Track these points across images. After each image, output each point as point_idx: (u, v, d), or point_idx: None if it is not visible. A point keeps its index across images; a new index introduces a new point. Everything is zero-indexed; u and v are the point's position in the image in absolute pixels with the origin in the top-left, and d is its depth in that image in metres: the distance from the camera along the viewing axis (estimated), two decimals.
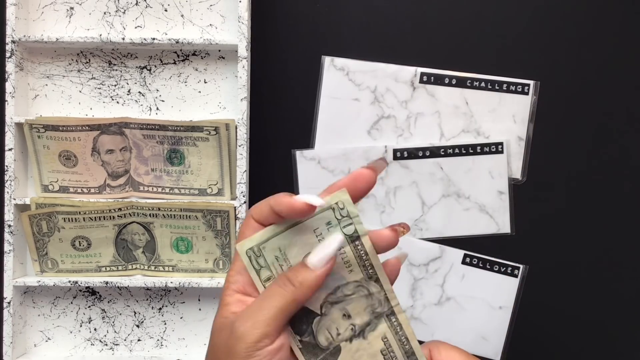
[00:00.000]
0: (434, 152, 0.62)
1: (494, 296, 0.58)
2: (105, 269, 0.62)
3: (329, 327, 0.37)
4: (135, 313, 0.62)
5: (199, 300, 0.62)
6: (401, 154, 0.62)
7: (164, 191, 0.61)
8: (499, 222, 0.61)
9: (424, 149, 0.62)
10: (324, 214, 0.35)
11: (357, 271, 0.36)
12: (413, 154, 0.62)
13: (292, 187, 0.62)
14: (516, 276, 0.59)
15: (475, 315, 0.58)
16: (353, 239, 0.36)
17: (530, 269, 0.61)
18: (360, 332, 0.37)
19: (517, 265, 0.59)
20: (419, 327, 0.58)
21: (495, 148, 0.61)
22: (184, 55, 0.62)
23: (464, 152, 0.62)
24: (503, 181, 0.61)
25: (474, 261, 0.58)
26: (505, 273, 0.59)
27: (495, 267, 0.58)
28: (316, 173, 0.62)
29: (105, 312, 0.63)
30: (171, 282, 0.60)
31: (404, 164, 0.62)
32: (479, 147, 0.61)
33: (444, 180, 0.62)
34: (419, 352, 0.37)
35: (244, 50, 0.58)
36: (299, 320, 0.36)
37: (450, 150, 0.62)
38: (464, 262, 0.58)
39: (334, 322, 0.37)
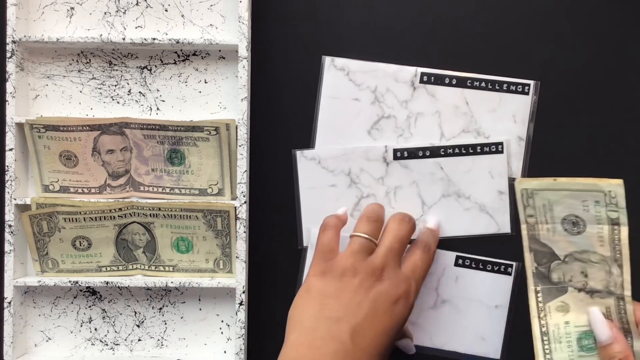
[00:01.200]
0: (434, 152, 0.62)
1: (489, 296, 0.58)
2: (106, 269, 0.62)
3: (564, 272, 0.44)
4: (135, 313, 0.63)
5: (200, 300, 0.62)
6: (401, 154, 0.62)
7: (164, 191, 0.61)
8: (499, 222, 0.61)
9: (424, 149, 0.62)
10: (595, 193, 0.41)
11: (606, 248, 0.42)
12: (413, 154, 0.62)
13: (292, 187, 0.63)
14: (510, 274, 0.59)
15: (472, 316, 0.58)
16: (613, 222, 0.41)
17: None
18: (590, 291, 0.44)
19: (510, 263, 0.59)
20: (416, 331, 0.58)
21: (495, 148, 0.61)
22: (184, 55, 0.62)
23: (464, 152, 0.62)
24: (503, 181, 0.61)
25: (467, 262, 0.58)
26: (499, 272, 0.59)
27: (489, 267, 0.58)
28: (316, 173, 0.62)
29: (105, 312, 0.63)
30: (171, 282, 0.60)
31: (404, 164, 0.62)
32: (479, 147, 0.61)
33: (444, 180, 0.62)
34: (635, 333, 0.43)
35: (244, 50, 0.59)
36: (541, 254, 0.44)
37: (450, 150, 0.62)
38: (456, 264, 0.58)
39: (570, 271, 0.44)
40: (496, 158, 0.61)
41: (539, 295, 0.45)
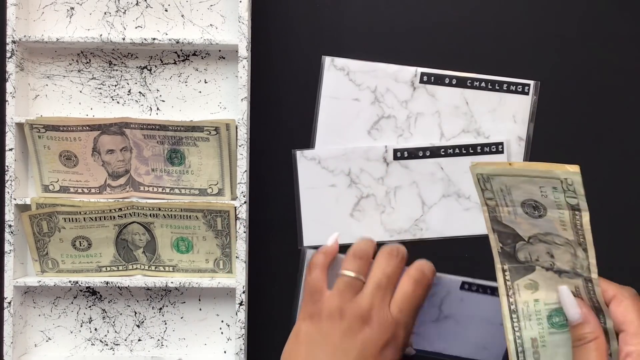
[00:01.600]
0: (434, 152, 0.62)
1: (494, 315, 0.56)
2: (106, 269, 0.62)
3: (530, 252, 0.43)
4: (135, 313, 0.63)
5: (200, 300, 0.62)
6: (401, 154, 0.62)
7: (164, 191, 0.61)
8: None
9: (424, 149, 0.62)
10: (552, 180, 0.39)
11: (569, 232, 0.41)
12: (413, 154, 0.62)
13: (292, 187, 0.63)
14: None
15: (475, 331, 0.57)
16: (574, 208, 0.40)
17: None
18: (558, 271, 0.43)
19: None
20: (418, 339, 0.57)
21: (495, 148, 0.61)
22: (184, 55, 0.62)
23: (464, 152, 0.62)
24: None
25: (473, 287, 0.55)
26: None
27: (496, 293, 0.56)
28: (316, 173, 0.62)
29: (105, 312, 0.63)
30: (171, 282, 0.60)
31: (404, 164, 0.62)
32: (479, 147, 0.61)
33: (444, 180, 0.62)
34: (606, 311, 0.42)
35: (244, 50, 0.59)
36: (505, 235, 0.43)
37: (451, 150, 0.62)
38: (462, 288, 0.56)
39: (536, 252, 0.43)
40: (496, 158, 0.61)
41: (507, 273, 0.44)
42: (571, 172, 0.38)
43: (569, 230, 0.41)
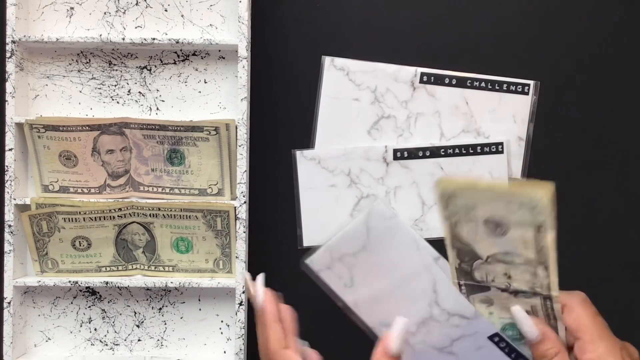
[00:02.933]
0: (434, 152, 0.62)
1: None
2: (106, 269, 0.62)
3: (487, 271, 0.42)
4: (135, 313, 0.63)
5: (199, 300, 0.62)
6: (401, 154, 0.62)
7: (164, 191, 0.61)
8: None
9: (424, 149, 0.62)
10: (522, 199, 0.38)
11: (531, 251, 0.40)
12: (413, 154, 0.62)
13: (292, 187, 0.62)
14: None
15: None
16: (538, 226, 0.39)
17: None
18: (514, 291, 0.42)
19: None
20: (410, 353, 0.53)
21: (495, 148, 0.61)
22: (184, 55, 0.62)
23: (464, 152, 0.62)
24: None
25: (501, 344, 0.49)
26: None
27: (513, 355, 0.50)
28: (316, 173, 0.62)
29: (105, 312, 0.63)
30: (171, 282, 0.60)
31: (404, 164, 0.62)
32: (479, 147, 0.61)
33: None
34: (562, 331, 0.41)
35: (244, 50, 0.59)
36: (464, 252, 0.42)
37: (451, 151, 0.62)
38: (490, 339, 0.50)
39: (493, 272, 0.42)
40: (496, 158, 0.61)
41: (462, 288, 0.44)
42: (540, 189, 0.38)
43: (530, 249, 0.40)
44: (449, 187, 0.40)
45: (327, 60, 0.62)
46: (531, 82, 0.62)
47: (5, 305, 0.59)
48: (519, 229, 0.39)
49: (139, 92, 0.62)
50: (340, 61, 0.62)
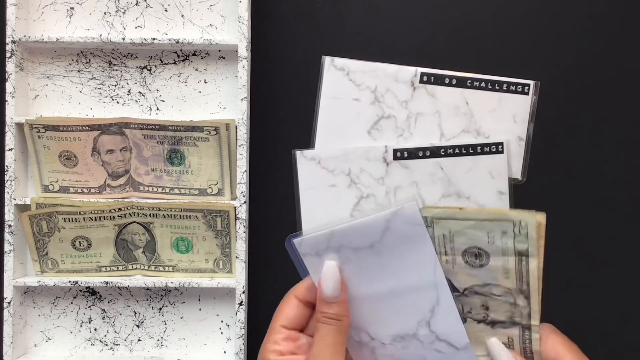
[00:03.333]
0: (434, 152, 0.62)
1: None
2: (106, 269, 0.62)
3: (463, 304, 0.41)
4: (135, 313, 0.62)
5: (199, 300, 0.62)
6: (401, 154, 0.62)
7: (164, 191, 0.61)
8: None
9: (424, 149, 0.62)
10: (503, 223, 0.38)
11: (512, 280, 0.39)
12: (413, 154, 0.62)
13: (292, 187, 0.62)
14: None
15: None
16: (521, 254, 0.38)
17: None
18: (491, 322, 0.41)
19: None
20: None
21: (495, 148, 0.61)
22: (184, 55, 0.62)
23: (464, 152, 0.62)
24: (503, 181, 0.61)
25: None
26: None
27: None
28: (316, 173, 0.62)
29: (105, 312, 0.63)
30: (171, 282, 0.60)
31: (404, 164, 0.62)
32: (479, 147, 0.61)
33: (444, 180, 0.62)
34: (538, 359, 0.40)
35: (244, 50, 0.59)
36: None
37: (450, 150, 0.62)
38: None
39: (470, 304, 0.41)
40: (496, 158, 0.61)
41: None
42: (525, 214, 0.37)
43: (511, 278, 0.40)
44: (429, 215, 0.39)
45: (327, 60, 0.62)
46: (531, 82, 0.62)
47: (5, 305, 0.59)
48: (500, 258, 0.38)
49: (139, 92, 0.62)
50: (340, 61, 0.62)
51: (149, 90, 0.62)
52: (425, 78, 0.62)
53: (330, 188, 0.62)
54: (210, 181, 0.60)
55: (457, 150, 0.62)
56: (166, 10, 0.62)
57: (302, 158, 0.63)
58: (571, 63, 0.62)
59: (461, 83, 0.62)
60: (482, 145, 0.61)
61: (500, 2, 0.62)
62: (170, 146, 0.60)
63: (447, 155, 0.62)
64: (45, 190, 0.61)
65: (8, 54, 0.59)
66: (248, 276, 0.61)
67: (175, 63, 0.62)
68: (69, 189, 0.61)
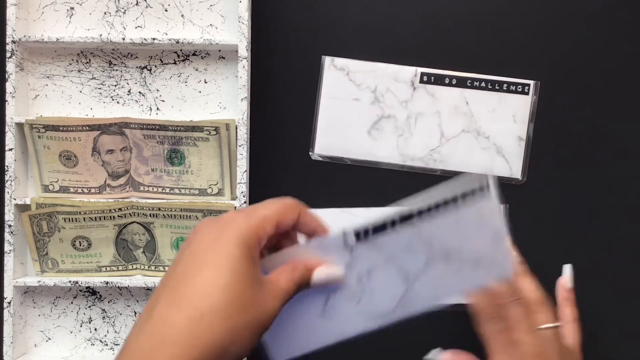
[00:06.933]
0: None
1: None
2: (106, 269, 0.62)
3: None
4: (135, 313, 0.63)
5: None
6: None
7: (164, 191, 0.61)
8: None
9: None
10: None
11: None
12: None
13: (292, 187, 0.62)
14: None
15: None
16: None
17: (531, 269, 0.60)
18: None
19: None
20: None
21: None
22: (184, 55, 0.62)
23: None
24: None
25: None
26: None
27: None
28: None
29: (105, 312, 0.63)
30: None
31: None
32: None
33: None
34: None
35: (244, 50, 0.59)
36: None
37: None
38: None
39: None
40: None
41: None
42: None
43: None
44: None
45: (327, 60, 0.62)
46: (531, 82, 0.62)
47: (5, 305, 0.59)
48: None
49: (139, 92, 0.62)
50: (340, 61, 0.62)
51: (149, 90, 0.62)
52: (425, 78, 0.62)
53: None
54: (211, 181, 0.60)
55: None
56: (166, 10, 0.62)
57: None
58: (571, 63, 0.62)
59: (461, 83, 0.62)
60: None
61: (500, 2, 0.62)
62: (170, 146, 0.60)
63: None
64: (46, 190, 0.61)
65: (8, 54, 0.59)
66: None
67: (175, 63, 0.62)
68: (69, 189, 0.61)
